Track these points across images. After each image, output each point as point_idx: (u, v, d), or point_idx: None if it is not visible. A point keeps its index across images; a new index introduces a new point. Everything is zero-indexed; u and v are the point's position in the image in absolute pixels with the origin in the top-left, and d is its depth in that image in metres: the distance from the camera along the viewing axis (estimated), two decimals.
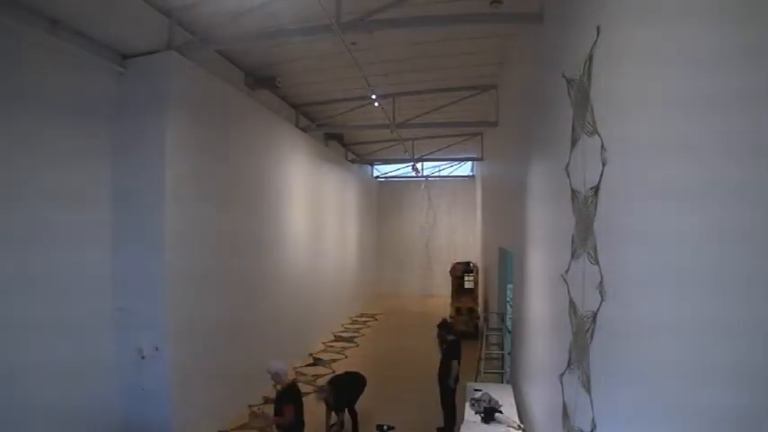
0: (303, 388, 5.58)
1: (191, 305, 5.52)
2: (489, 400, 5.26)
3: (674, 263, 1.91)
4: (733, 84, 1.56)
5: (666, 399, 1.94)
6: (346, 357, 9.72)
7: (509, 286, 7.60)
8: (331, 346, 10.51)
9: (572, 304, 3.28)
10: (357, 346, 10.65)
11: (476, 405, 5.17)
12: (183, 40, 5.48)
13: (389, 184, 18.59)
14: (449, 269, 12.78)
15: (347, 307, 13.45)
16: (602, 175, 2.70)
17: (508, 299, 7.69)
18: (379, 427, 6.23)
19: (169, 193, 5.26)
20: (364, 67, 6.71)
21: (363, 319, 13.53)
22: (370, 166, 16.96)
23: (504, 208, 8.01)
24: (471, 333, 10.93)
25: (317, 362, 9.31)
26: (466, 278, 12.53)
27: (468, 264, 12.85)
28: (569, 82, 3.41)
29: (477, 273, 12.41)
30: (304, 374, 8.53)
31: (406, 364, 9.30)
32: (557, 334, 3.73)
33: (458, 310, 11.29)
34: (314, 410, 5.76)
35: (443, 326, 6.88)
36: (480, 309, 11.62)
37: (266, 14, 5.50)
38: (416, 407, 7.07)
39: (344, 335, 11.57)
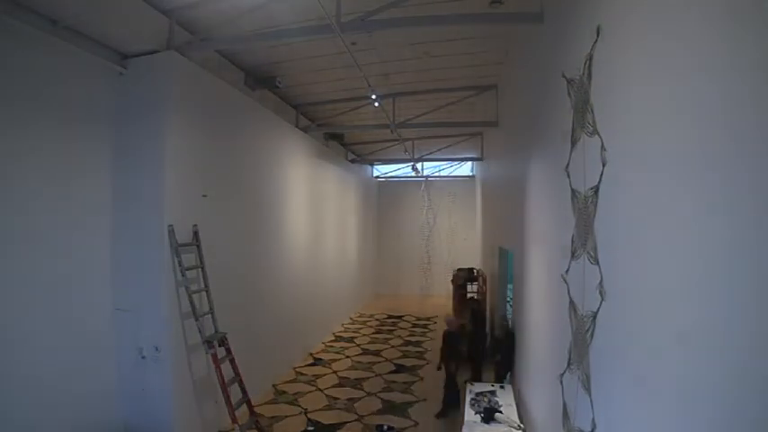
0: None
1: (190, 305, 5.51)
2: (489, 401, 5.27)
3: (674, 263, 1.91)
4: (735, 84, 1.56)
5: (667, 399, 1.94)
6: (347, 357, 9.73)
7: (509, 286, 7.61)
8: (331, 346, 10.52)
9: (572, 304, 3.28)
10: (357, 345, 10.65)
11: (476, 405, 5.18)
12: (183, 40, 5.49)
13: (389, 184, 18.59)
14: (450, 278, 11.16)
15: (347, 307, 13.45)
16: (602, 175, 2.70)
17: (508, 299, 7.69)
18: (379, 427, 6.24)
19: (169, 193, 5.27)
20: (364, 67, 6.71)
21: (363, 319, 13.54)
22: (370, 166, 16.95)
23: (504, 208, 8.01)
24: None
25: (317, 362, 9.32)
26: (469, 288, 10.89)
27: (471, 270, 11.35)
28: (569, 82, 3.41)
29: (483, 282, 10.54)
30: (304, 374, 8.54)
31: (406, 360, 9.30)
32: (557, 334, 3.73)
33: (461, 328, 9.45)
34: None
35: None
36: (488, 325, 9.65)
37: (266, 14, 5.50)
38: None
39: (345, 335, 11.58)
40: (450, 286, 11.31)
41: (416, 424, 6.44)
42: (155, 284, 5.19)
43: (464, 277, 11.16)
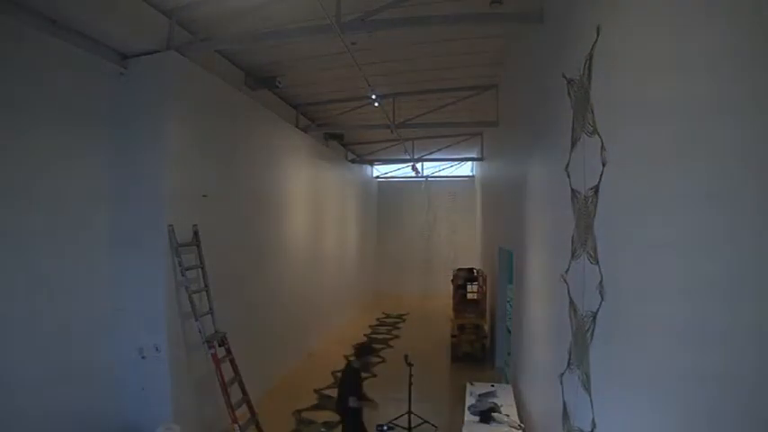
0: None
1: (191, 304, 5.51)
2: (488, 401, 5.26)
3: (674, 263, 1.91)
4: (735, 83, 1.56)
5: (666, 399, 1.94)
6: (345, 357, 9.73)
7: (509, 286, 7.61)
8: (331, 346, 10.52)
9: (572, 304, 3.28)
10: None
11: (473, 407, 5.17)
12: (183, 40, 5.48)
13: (389, 184, 18.60)
14: (450, 278, 10.99)
15: (347, 306, 13.43)
16: (602, 175, 2.70)
17: (508, 299, 7.69)
18: (379, 427, 6.24)
19: (169, 194, 5.26)
20: (364, 67, 6.70)
21: (363, 319, 13.53)
22: (370, 166, 16.96)
23: (504, 208, 8.01)
24: (478, 356, 9.22)
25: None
26: (469, 288, 10.75)
27: (471, 270, 11.20)
28: (569, 82, 3.41)
29: (483, 281, 10.51)
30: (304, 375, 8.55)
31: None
32: (557, 334, 3.73)
33: (461, 328, 9.41)
34: None
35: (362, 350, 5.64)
36: (488, 326, 9.74)
37: (266, 14, 5.50)
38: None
39: (344, 335, 11.56)
40: (450, 286, 11.05)
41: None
42: (155, 284, 5.19)
43: (464, 277, 10.94)
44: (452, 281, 10.94)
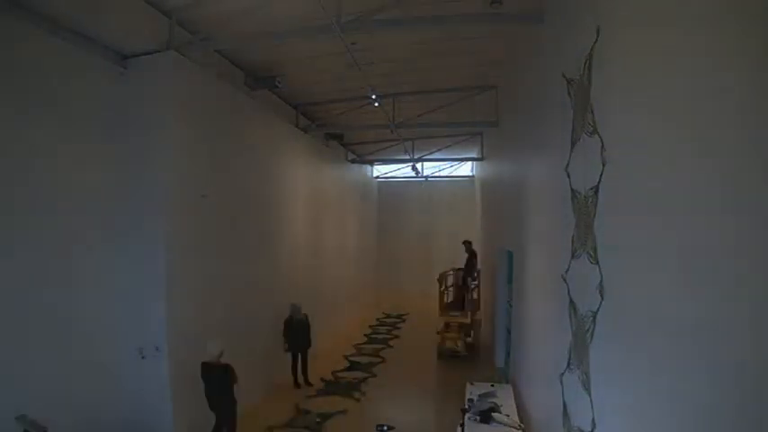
0: None
1: (191, 305, 5.51)
2: (488, 401, 5.25)
3: (674, 263, 1.91)
4: (735, 83, 1.56)
5: (666, 398, 1.94)
6: (346, 358, 9.74)
7: (509, 286, 7.60)
8: (330, 346, 10.51)
9: (572, 304, 3.28)
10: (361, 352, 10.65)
11: (473, 407, 5.16)
12: (183, 40, 5.48)
13: (389, 184, 18.59)
14: (446, 278, 10.97)
15: (347, 307, 13.41)
16: (602, 175, 2.71)
17: (508, 299, 7.69)
18: (379, 427, 6.23)
19: (169, 193, 5.26)
20: (364, 67, 6.70)
21: (363, 319, 13.54)
22: (370, 166, 16.94)
23: (505, 208, 8.01)
24: (463, 354, 9.39)
25: None
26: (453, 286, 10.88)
27: (459, 270, 11.26)
28: (569, 82, 3.42)
29: (471, 279, 10.56)
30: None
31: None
32: (557, 334, 3.73)
33: (447, 325, 9.86)
34: None
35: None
36: (487, 324, 9.99)
37: (266, 14, 5.49)
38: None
39: (345, 334, 11.57)
40: (450, 286, 11.14)
41: None
42: (155, 284, 5.19)
43: (452, 276, 11.26)
44: (439, 280, 10.89)
